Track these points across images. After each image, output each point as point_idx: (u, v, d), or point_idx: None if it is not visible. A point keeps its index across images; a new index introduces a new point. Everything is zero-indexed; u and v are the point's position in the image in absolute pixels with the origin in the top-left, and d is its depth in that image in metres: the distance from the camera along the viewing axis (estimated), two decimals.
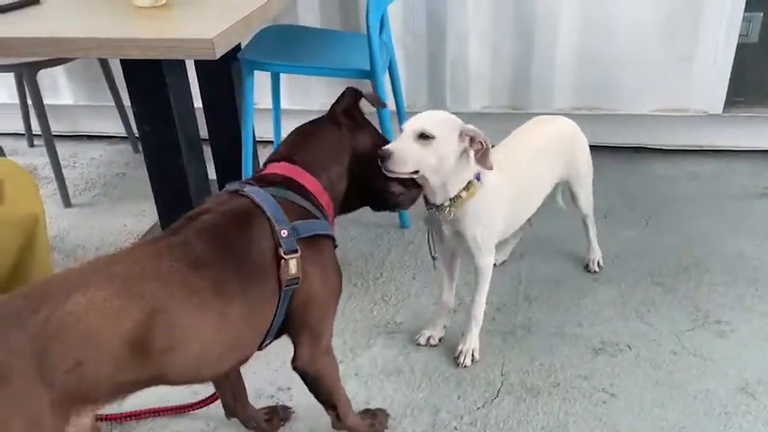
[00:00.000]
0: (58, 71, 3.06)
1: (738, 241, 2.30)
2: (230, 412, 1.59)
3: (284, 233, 1.21)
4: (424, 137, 1.49)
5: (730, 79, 2.68)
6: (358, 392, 1.73)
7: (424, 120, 1.52)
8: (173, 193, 2.03)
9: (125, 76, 1.82)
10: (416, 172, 1.49)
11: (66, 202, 2.73)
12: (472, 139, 1.53)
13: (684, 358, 1.81)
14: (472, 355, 1.82)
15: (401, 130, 1.52)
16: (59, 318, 0.97)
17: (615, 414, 1.65)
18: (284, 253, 1.20)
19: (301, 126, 1.44)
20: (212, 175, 2.40)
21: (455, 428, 1.63)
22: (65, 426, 1.00)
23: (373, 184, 1.44)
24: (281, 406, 1.68)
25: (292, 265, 1.20)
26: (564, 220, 2.21)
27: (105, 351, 1.00)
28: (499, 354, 1.85)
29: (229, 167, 2.49)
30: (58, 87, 3.16)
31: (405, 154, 1.45)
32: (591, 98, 2.82)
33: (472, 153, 1.55)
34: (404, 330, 1.96)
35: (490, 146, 1.54)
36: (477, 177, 1.60)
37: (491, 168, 1.56)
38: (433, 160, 1.50)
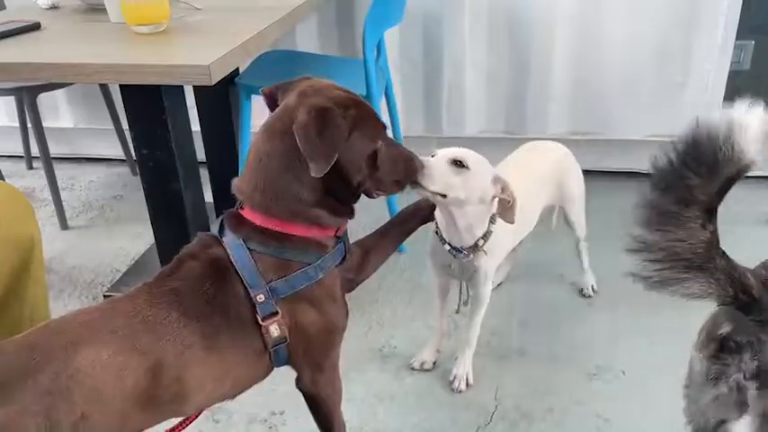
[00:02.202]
0: (59, 94, 3.10)
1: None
2: None
3: (260, 298, 1.13)
4: (459, 164, 1.46)
5: (722, 106, 2.70)
6: (351, 417, 1.72)
7: (462, 151, 1.50)
8: (169, 217, 2.04)
9: (123, 101, 1.84)
10: (444, 196, 1.46)
11: (63, 225, 2.74)
12: (503, 189, 1.51)
13: (679, 383, 1.80)
14: (466, 379, 1.82)
15: (432, 156, 1.50)
16: (68, 375, 0.98)
17: None
18: (262, 319, 1.14)
19: (264, 131, 1.18)
20: (209, 198, 2.41)
21: None
22: None
23: (357, 185, 1.22)
24: None
25: (273, 330, 1.15)
26: (558, 245, 2.22)
27: (111, 406, 1.02)
28: (493, 378, 1.85)
29: (226, 191, 2.49)
30: (58, 110, 3.19)
31: (437, 172, 1.42)
32: (585, 124, 2.85)
33: (496, 202, 1.54)
34: (398, 354, 1.96)
35: (518, 201, 1.52)
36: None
37: (512, 222, 1.55)
38: (461, 190, 1.47)
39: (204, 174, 2.28)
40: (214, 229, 1.27)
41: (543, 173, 1.92)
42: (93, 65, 1.62)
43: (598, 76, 2.75)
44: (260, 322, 1.13)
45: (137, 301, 1.11)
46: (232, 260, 1.14)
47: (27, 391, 0.95)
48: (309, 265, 1.17)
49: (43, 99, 2.90)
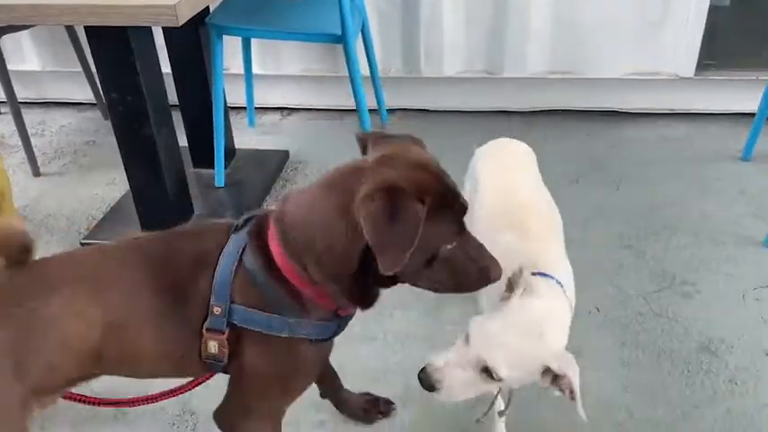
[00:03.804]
0: (23, 36, 2.98)
1: (706, 204, 2.34)
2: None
3: (216, 310, 1.05)
4: (488, 372, 1.09)
5: (702, 43, 2.69)
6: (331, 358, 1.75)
7: (497, 352, 1.08)
8: (142, 162, 2.01)
9: (90, 44, 1.78)
10: None
11: (36, 171, 2.69)
12: (555, 378, 1.09)
13: (651, 319, 1.86)
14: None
15: (465, 340, 1.13)
16: (40, 318, 0.99)
17: (582, 373, 1.69)
18: (206, 329, 1.06)
19: (330, 180, 1.06)
20: (183, 142, 2.38)
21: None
22: (28, 417, 1.03)
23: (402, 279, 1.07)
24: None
25: (211, 345, 1.06)
26: None
27: (74, 356, 1.03)
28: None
29: (201, 135, 2.47)
30: (24, 53, 3.08)
31: (457, 385, 1.12)
32: (564, 62, 2.82)
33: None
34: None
35: (579, 396, 1.07)
36: None
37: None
38: (494, 389, 1.20)
39: (177, 117, 2.23)
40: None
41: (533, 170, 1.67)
42: (55, 6, 1.55)
43: (577, 15, 2.70)
44: (203, 331, 1.06)
45: (119, 255, 1.10)
46: (219, 260, 1.07)
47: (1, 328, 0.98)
48: (281, 317, 1.06)
49: (7, 41, 2.79)
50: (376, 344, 1.82)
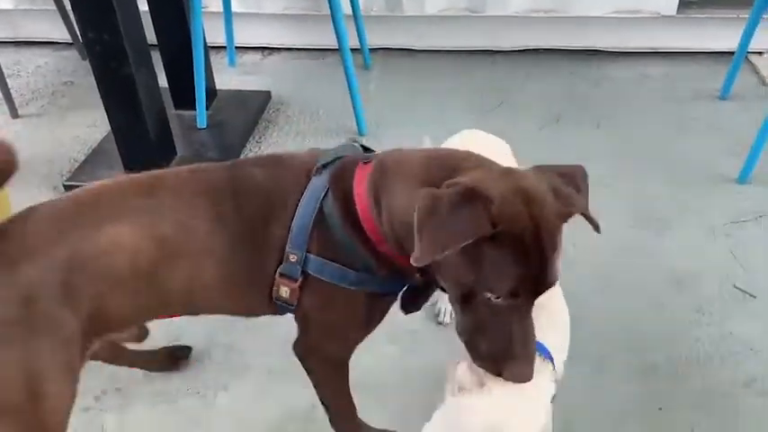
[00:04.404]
0: None
1: (683, 142, 2.38)
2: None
3: (292, 258, 1.03)
4: None
5: None
6: None
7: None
8: (122, 103, 2.00)
9: None
10: None
11: (14, 113, 2.65)
12: None
13: (624, 254, 1.92)
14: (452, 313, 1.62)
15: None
16: (89, 246, 0.97)
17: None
18: (279, 273, 1.04)
19: (433, 155, 1.04)
20: (163, 82, 2.36)
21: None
22: (83, 355, 1.03)
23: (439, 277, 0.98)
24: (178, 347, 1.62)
25: (283, 290, 1.05)
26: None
27: (124, 287, 1.00)
28: None
29: (181, 76, 2.44)
30: None
31: None
32: (547, 0, 2.79)
33: None
34: None
35: None
36: None
37: None
38: None
39: (157, 58, 2.20)
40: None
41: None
42: None
43: None
44: (276, 276, 1.04)
45: (179, 184, 1.05)
46: (299, 202, 1.02)
47: (50, 257, 0.95)
48: (356, 272, 1.03)
49: None
50: None
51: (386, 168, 1.01)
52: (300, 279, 1.04)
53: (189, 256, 1.03)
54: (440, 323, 1.69)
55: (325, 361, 1.22)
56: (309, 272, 1.03)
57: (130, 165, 2.11)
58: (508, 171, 0.94)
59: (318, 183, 1.03)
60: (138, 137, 2.06)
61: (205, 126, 2.45)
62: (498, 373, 0.91)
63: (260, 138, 2.51)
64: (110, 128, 2.09)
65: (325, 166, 1.05)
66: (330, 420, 1.32)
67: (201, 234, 1.02)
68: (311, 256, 1.03)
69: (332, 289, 1.04)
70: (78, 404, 1.52)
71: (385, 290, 1.09)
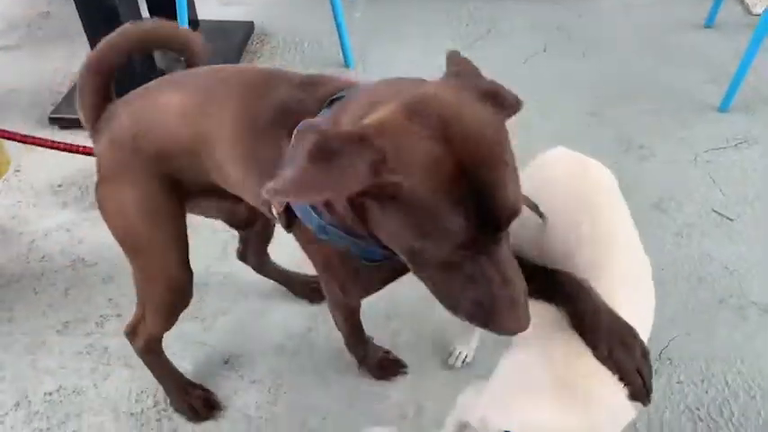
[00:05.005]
0: None
1: (667, 71, 2.40)
2: (243, 258, 1.61)
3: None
4: None
5: None
6: None
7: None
8: (106, 34, 1.95)
9: None
10: None
11: None
12: None
13: None
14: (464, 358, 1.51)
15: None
16: (149, 108, 1.09)
17: None
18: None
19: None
20: (145, 13, 2.30)
21: None
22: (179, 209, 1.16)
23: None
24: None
25: (274, 210, 1.00)
26: None
27: (176, 148, 1.08)
28: None
29: (162, 6, 2.37)
30: None
31: None
32: None
33: None
34: None
35: None
36: None
37: None
38: None
39: None
40: None
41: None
42: None
43: None
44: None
45: (229, 76, 1.09)
46: (317, 122, 0.91)
47: (127, 114, 1.11)
48: (320, 219, 0.92)
49: None
50: None
51: (343, 108, 0.87)
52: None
53: (212, 139, 1.06)
54: (450, 366, 1.51)
55: (335, 304, 1.27)
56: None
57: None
58: (417, 103, 0.74)
59: (319, 121, 0.91)
60: (124, 75, 2.03)
61: None
62: (491, 325, 0.77)
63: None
64: None
65: (333, 102, 0.93)
66: (344, 341, 1.41)
67: (222, 124, 1.04)
68: None
69: (308, 229, 0.96)
70: (80, 329, 1.60)
71: (354, 252, 0.94)
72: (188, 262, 1.23)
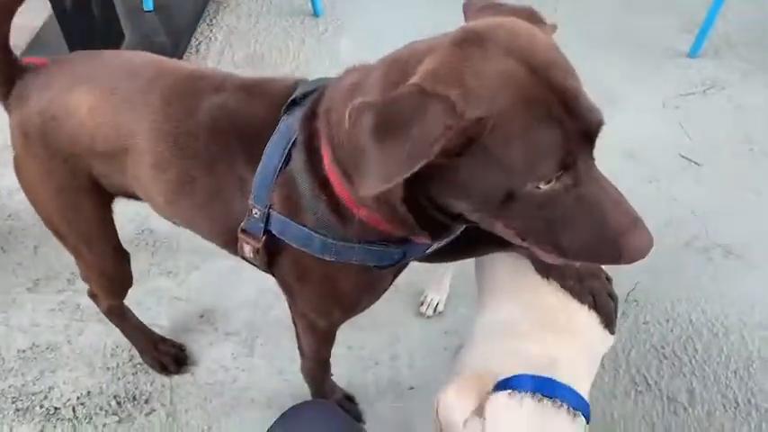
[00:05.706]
0: None
1: (637, 19, 2.39)
2: None
3: (256, 212, 0.85)
4: None
5: None
6: None
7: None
8: None
9: None
10: None
11: None
12: None
13: None
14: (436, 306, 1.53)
15: None
16: (59, 104, 0.96)
17: None
18: (240, 230, 0.88)
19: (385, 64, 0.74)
20: None
21: None
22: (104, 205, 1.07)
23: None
24: None
25: (246, 249, 0.90)
26: None
27: (89, 153, 0.97)
28: None
29: None
30: None
31: None
32: None
33: None
34: None
35: None
36: None
37: None
38: None
39: None
40: None
41: None
42: None
43: None
44: (238, 232, 0.88)
45: (152, 73, 0.95)
46: (266, 146, 0.83)
47: (36, 102, 0.98)
48: (323, 238, 0.83)
49: None
50: None
51: (336, 96, 0.78)
52: (263, 238, 0.87)
53: (134, 152, 0.94)
54: (421, 314, 1.53)
55: (311, 328, 1.09)
56: (271, 230, 0.86)
57: (75, 51, 2.02)
58: (468, 36, 0.68)
59: (287, 123, 0.83)
60: (84, 21, 1.97)
61: (152, 9, 2.34)
62: (620, 257, 0.70)
63: (211, 20, 2.42)
64: (51, 13, 1.98)
65: (302, 99, 0.83)
66: (301, 369, 1.28)
67: (145, 138, 0.92)
68: (274, 213, 0.85)
69: (304, 256, 0.86)
70: (52, 287, 1.58)
71: (375, 261, 0.86)
72: (119, 247, 1.16)
